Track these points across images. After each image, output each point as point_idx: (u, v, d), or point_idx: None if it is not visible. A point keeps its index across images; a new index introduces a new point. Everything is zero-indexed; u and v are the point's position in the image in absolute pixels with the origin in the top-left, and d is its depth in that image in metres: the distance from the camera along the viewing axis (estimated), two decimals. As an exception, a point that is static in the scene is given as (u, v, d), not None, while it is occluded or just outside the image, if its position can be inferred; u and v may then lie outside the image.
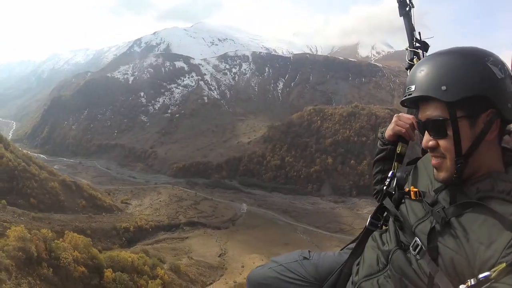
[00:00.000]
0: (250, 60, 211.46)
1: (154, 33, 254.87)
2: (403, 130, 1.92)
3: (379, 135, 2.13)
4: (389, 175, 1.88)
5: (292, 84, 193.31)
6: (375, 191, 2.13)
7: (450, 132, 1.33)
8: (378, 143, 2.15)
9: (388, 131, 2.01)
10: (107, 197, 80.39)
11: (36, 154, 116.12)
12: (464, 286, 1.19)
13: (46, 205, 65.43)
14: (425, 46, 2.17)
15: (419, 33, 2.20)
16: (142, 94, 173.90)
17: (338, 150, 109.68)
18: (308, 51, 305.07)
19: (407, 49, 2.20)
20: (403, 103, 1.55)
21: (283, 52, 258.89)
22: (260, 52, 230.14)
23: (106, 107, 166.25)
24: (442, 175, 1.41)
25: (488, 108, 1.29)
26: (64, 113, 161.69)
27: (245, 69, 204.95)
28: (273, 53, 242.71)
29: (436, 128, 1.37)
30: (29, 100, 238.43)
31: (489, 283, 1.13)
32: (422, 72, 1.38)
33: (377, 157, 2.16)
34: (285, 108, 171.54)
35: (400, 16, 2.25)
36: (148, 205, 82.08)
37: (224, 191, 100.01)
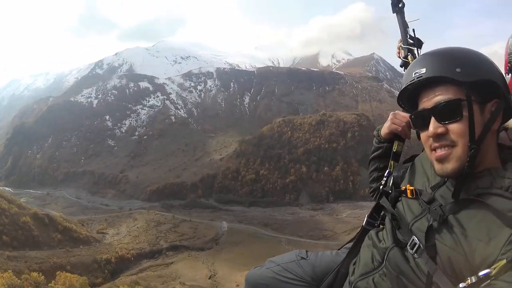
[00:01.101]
0: (214, 77, 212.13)
1: (116, 54, 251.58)
2: (399, 128, 1.91)
3: (375, 133, 2.12)
4: (386, 174, 1.87)
5: (258, 97, 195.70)
6: (372, 189, 2.12)
7: (465, 114, 1.30)
8: (374, 141, 2.12)
9: (384, 129, 2.00)
10: (82, 228, 77.50)
11: (1, 187, 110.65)
12: (464, 284, 1.19)
13: (20, 242, 62.17)
14: (418, 43, 2.14)
15: (413, 30, 2.17)
16: (107, 117, 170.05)
17: (311, 159, 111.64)
18: (271, 64, 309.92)
19: (401, 46, 2.19)
20: (402, 95, 1.54)
21: (246, 67, 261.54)
22: (224, 68, 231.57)
23: (71, 133, 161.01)
24: (450, 166, 1.34)
25: (494, 97, 1.32)
26: (27, 142, 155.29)
27: (210, 86, 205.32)
28: (237, 68, 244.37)
29: (450, 110, 1.33)
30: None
31: (489, 281, 1.13)
32: (433, 57, 1.39)
33: (373, 155, 2.14)
34: (253, 121, 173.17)
35: (393, 13, 2.24)
36: (126, 233, 79.50)
37: (201, 210, 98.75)
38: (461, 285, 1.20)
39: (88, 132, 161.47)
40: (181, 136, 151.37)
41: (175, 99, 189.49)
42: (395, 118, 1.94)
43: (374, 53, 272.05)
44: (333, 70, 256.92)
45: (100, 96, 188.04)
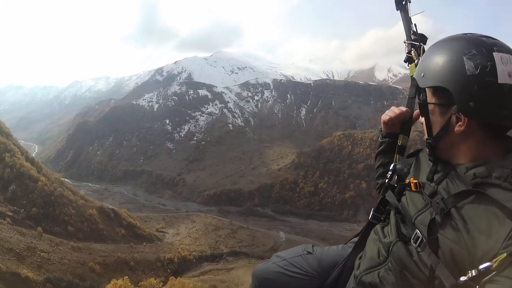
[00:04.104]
0: (271, 88, 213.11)
1: (175, 62, 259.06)
2: (387, 117, 1.93)
3: (378, 128, 2.12)
4: (391, 167, 1.84)
5: (314, 110, 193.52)
6: (378, 185, 2.06)
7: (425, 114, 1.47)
8: (379, 137, 2.13)
9: (381, 123, 2.03)
10: (145, 225, 78.00)
11: (61, 179, 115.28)
12: (465, 277, 1.18)
13: (85, 234, 62.67)
14: (422, 38, 2.10)
15: (415, 25, 2.15)
16: (167, 121, 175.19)
17: (372, 175, 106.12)
18: (325, 77, 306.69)
19: (405, 42, 2.16)
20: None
21: (301, 79, 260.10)
22: (281, 79, 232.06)
23: (132, 134, 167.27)
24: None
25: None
26: (89, 138, 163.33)
27: (267, 97, 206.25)
28: (293, 80, 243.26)
29: (420, 108, 1.51)
30: (51, 125, 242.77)
31: (490, 275, 1.12)
32: (424, 55, 1.49)
33: (377, 150, 2.14)
34: (310, 134, 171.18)
35: (397, 10, 2.21)
36: (186, 234, 79.49)
37: (258, 219, 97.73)
38: (462, 278, 1.19)
39: (148, 134, 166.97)
40: (238, 144, 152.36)
41: (232, 107, 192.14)
42: (390, 111, 1.96)
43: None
44: (390, 84, 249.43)
45: (161, 101, 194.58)
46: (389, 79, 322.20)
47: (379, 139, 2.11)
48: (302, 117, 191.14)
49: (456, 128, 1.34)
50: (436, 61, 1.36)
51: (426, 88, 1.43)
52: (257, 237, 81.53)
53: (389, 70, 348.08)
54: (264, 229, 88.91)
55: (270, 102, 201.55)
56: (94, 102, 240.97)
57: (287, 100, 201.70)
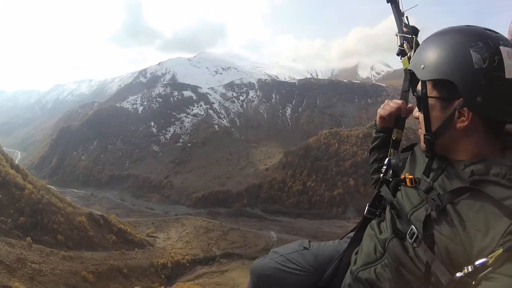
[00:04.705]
0: (256, 88, 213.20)
1: (159, 63, 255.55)
2: (386, 113, 1.90)
3: (372, 122, 2.11)
4: (386, 162, 1.83)
5: (300, 109, 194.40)
6: (374, 181, 2.07)
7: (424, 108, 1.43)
8: (373, 131, 2.12)
9: (377, 117, 2.00)
10: (135, 230, 77.16)
11: (47, 186, 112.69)
12: (461, 273, 1.17)
13: (75, 242, 61.35)
14: (414, 31, 2.10)
15: (407, 17, 2.14)
16: (152, 123, 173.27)
17: (359, 172, 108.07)
18: (309, 76, 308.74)
19: (396, 34, 2.14)
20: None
21: (285, 78, 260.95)
22: (266, 79, 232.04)
23: (116, 137, 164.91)
24: (421, 144, 1.52)
25: (460, 96, 1.29)
26: (73, 143, 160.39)
27: (252, 97, 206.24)
28: (277, 79, 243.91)
29: (417, 101, 1.48)
30: (34, 130, 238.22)
31: (486, 271, 1.11)
32: (420, 47, 1.46)
33: (372, 145, 2.13)
34: (296, 133, 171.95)
35: (388, 2, 2.19)
36: (177, 238, 78.98)
37: (248, 219, 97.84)
38: (458, 274, 1.19)
39: (133, 137, 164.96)
40: (224, 145, 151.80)
41: (218, 108, 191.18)
42: (386, 105, 1.93)
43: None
44: (374, 82, 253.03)
45: (145, 103, 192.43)
46: (372, 77, 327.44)
47: (373, 134, 2.08)
48: (288, 116, 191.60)
49: (459, 124, 1.32)
50: (439, 53, 1.32)
51: (426, 81, 1.39)
52: (249, 237, 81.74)
53: (372, 68, 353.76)
54: (255, 229, 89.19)
55: (255, 102, 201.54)
56: (77, 105, 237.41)
57: (272, 100, 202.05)
